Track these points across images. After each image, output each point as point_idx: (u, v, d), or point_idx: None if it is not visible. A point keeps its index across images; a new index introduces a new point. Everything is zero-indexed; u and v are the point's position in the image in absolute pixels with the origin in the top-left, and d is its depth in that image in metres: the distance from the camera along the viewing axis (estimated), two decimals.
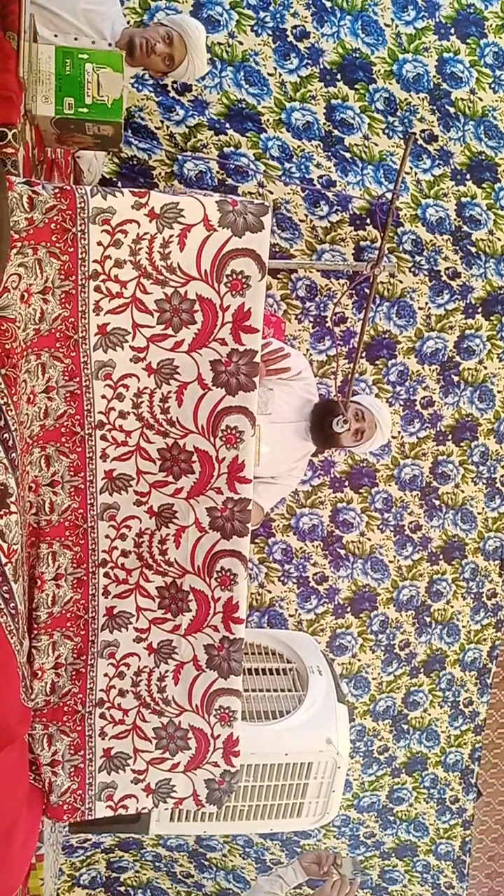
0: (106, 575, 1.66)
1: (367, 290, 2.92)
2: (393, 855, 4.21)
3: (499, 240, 3.48)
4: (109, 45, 2.27)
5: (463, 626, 4.01)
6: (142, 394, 1.55)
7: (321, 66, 3.14)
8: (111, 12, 2.44)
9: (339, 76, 3.16)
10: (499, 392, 3.76)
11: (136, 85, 2.99)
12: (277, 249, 3.36)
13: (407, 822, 4.19)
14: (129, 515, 1.64)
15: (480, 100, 3.24)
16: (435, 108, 3.25)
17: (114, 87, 1.65)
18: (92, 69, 1.63)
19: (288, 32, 3.08)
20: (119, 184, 3.13)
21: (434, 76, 3.20)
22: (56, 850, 2.98)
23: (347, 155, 3.28)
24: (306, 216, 3.34)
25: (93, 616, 1.68)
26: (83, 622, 1.68)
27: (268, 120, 3.17)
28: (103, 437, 1.57)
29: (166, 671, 1.73)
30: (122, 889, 3.81)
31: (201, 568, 1.67)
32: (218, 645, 1.70)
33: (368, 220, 3.36)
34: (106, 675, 1.71)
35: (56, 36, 2.04)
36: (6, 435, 1.32)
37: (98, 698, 1.71)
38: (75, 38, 2.13)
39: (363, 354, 3.54)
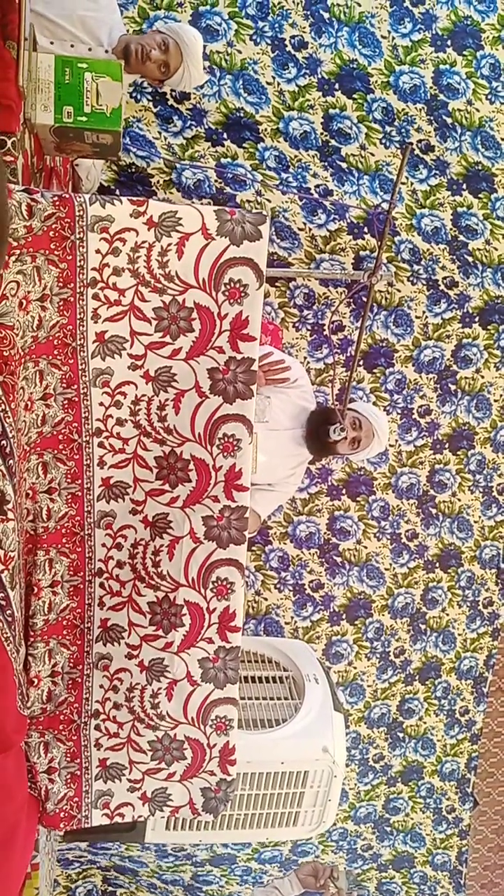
0: (101, 585, 1.66)
1: (364, 299, 2.93)
2: (390, 867, 4.19)
3: (495, 249, 3.49)
4: (106, 51, 2.28)
5: (459, 635, 4.01)
6: (139, 401, 1.55)
7: (319, 76, 3.16)
8: (109, 19, 2.44)
9: (336, 86, 3.18)
10: (495, 401, 3.77)
11: (134, 94, 3.00)
12: (276, 258, 3.37)
13: (404, 832, 4.18)
14: (125, 524, 1.63)
15: (477, 110, 3.27)
16: (432, 118, 3.27)
17: (113, 96, 1.66)
18: (91, 78, 1.64)
19: (286, 42, 3.10)
20: (117, 192, 3.14)
21: (431, 87, 3.22)
22: (51, 860, 2.96)
23: (344, 165, 3.29)
24: (305, 225, 3.36)
25: (88, 626, 1.68)
26: (79, 631, 1.67)
27: (265, 129, 3.19)
28: (101, 445, 1.57)
29: (159, 689, 1.72)
30: None
31: (195, 580, 1.66)
32: (213, 657, 1.70)
33: (366, 230, 3.37)
34: (101, 686, 1.71)
35: (52, 43, 2.04)
36: (3, 442, 1.32)
37: (93, 709, 1.71)
38: (71, 45, 2.13)
39: (361, 363, 3.55)
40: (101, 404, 1.53)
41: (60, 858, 3.53)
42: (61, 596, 1.63)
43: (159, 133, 3.12)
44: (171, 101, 3.08)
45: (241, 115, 3.15)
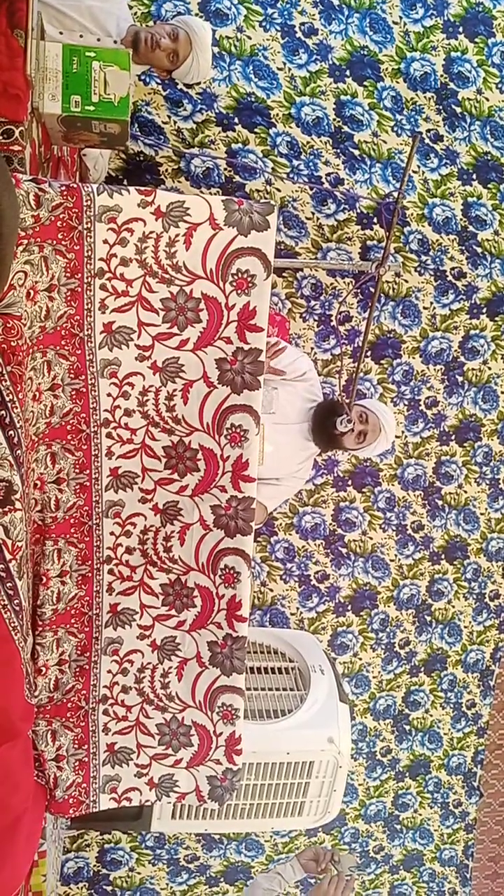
0: (110, 572, 1.67)
1: (372, 290, 2.92)
2: (401, 868, 4.21)
3: None
4: (115, 42, 2.28)
5: (465, 627, 4.01)
6: (147, 392, 1.55)
7: (330, 63, 3.13)
8: (117, 10, 2.44)
9: (347, 72, 3.15)
10: (503, 393, 3.75)
11: (143, 77, 2.97)
12: (283, 247, 3.36)
13: (412, 829, 4.19)
14: (134, 513, 1.64)
15: (487, 100, 3.24)
16: (441, 107, 3.25)
17: (121, 86, 1.65)
18: (99, 67, 1.63)
19: (296, 28, 3.07)
20: (125, 180, 3.12)
21: (441, 75, 3.19)
22: (58, 847, 2.99)
23: (356, 152, 3.27)
24: (313, 214, 3.34)
25: (97, 613, 1.69)
26: (87, 619, 1.68)
27: (277, 114, 3.16)
28: (109, 435, 1.57)
29: (169, 668, 1.74)
30: None
31: (205, 565, 1.67)
32: (221, 642, 1.70)
33: (375, 219, 3.36)
34: (109, 671, 1.72)
35: (61, 33, 2.04)
36: (12, 432, 1.32)
37: (102, 695, 1.72)
38: (80, 36, 2.13)
39: (368, 353, 3.54)
40: (109, 395, 1.53)
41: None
42: (70, 585, 1.64)
43: (168, 117, 3.09)
44: (180, 85, 3.05)
45: (253, 99, 3.12)
